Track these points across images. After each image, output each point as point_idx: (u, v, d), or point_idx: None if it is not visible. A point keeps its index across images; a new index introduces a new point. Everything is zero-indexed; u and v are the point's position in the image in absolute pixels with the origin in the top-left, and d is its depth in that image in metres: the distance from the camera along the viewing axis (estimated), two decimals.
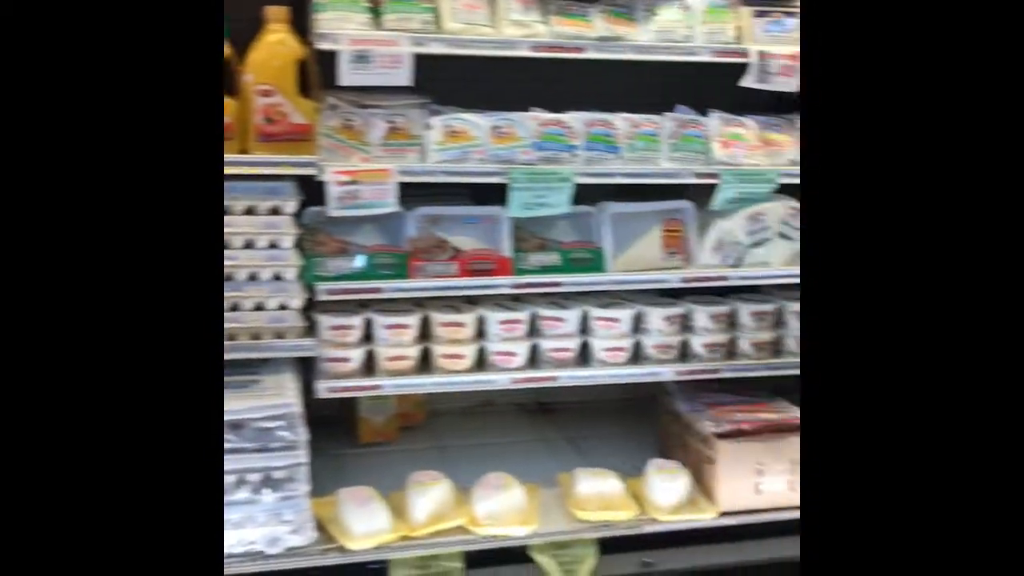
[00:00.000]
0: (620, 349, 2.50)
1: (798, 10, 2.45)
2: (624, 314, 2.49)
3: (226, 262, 2.11)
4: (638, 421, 2.92)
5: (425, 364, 2.41)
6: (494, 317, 2.41)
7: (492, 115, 2.32)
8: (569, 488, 2.46)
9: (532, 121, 2.34)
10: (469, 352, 2.41)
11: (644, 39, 2.35)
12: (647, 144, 2.41)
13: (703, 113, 2.51)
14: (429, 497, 2.28)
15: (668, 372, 2.53)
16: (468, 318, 2.40)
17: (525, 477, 2.45)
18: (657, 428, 2.81)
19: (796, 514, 2.39)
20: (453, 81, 2.36)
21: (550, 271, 2.41)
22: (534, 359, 2.48)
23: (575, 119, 2.38)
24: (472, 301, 2.48)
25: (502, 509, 2.31)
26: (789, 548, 2.45)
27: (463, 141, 2.29)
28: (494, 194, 2.33)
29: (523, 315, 2.44)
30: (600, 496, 2.41)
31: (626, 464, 2.57)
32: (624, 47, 2.33)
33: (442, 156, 2.27)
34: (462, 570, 2.24)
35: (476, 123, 2.30)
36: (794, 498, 2.44)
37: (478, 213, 2.41)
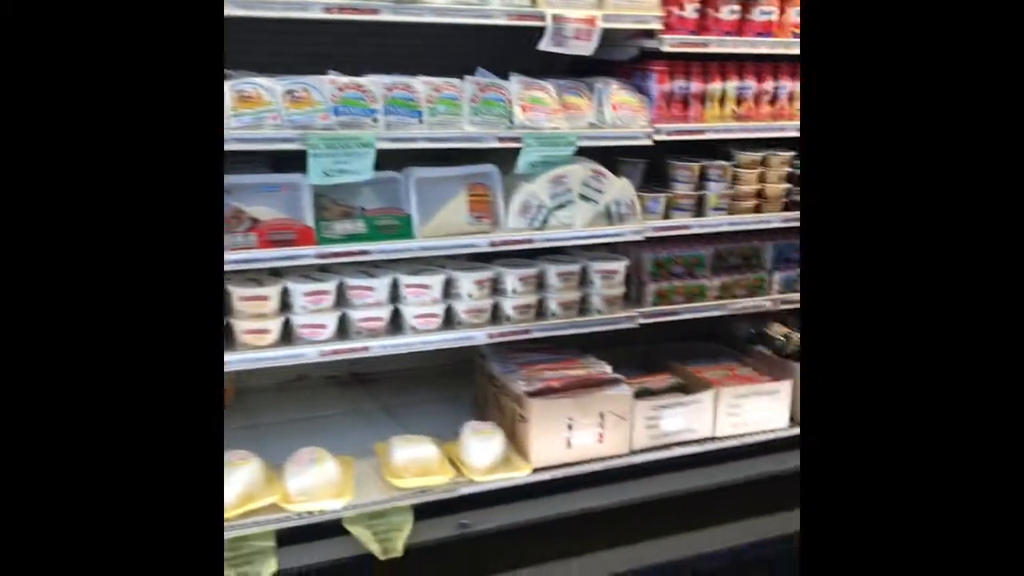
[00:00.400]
0: (432, 315, 2.50)
1: None
2: (434, 280, 2.49)
3: None
4: (455, 386, 2.94)
5: (228, 340, 2.31)
6: (299, 289, 2.35)
7: (286, 79, 2.23)
8: (386, 457, 2.44)
9: (329, 85, 2.27)
10: (274, 326, 2.33)
11: (441, 2, 2.32)
12: (449, 108, 2.39)
13: (504, 77, 2.52)
14: (238, 477, 2.20)
15: (481, 335, 2.56)
16: (271, 291, 2.32)
17: (341, 449, 2.42)
18: (474, 391, 2.84)
19: (604, 465, 2.53)
20: (244, 44, 2.24)
21: (356, 239, 2.36)
22: (344, 330, 2.43)
23: (374, 83, 2.32)
24: (276, 273, 2.40)
25: (315, 484, 2.26)
26: (597, 498, 2.56)
27: (257, 106, 2.19)
28: (295, 161, 2.25)
29: (330, 285, 2.38)
30: (416, 463, 2.41)
31: (444, 429, 2.58)
32: (420, 9, 2.29)
33: (234, 123, 2.16)
34: (274, 549, 2.18)
35: (269, 87, 2.20)
36: (601, 450, 2.54)
37: (276, 181, 2.32)
